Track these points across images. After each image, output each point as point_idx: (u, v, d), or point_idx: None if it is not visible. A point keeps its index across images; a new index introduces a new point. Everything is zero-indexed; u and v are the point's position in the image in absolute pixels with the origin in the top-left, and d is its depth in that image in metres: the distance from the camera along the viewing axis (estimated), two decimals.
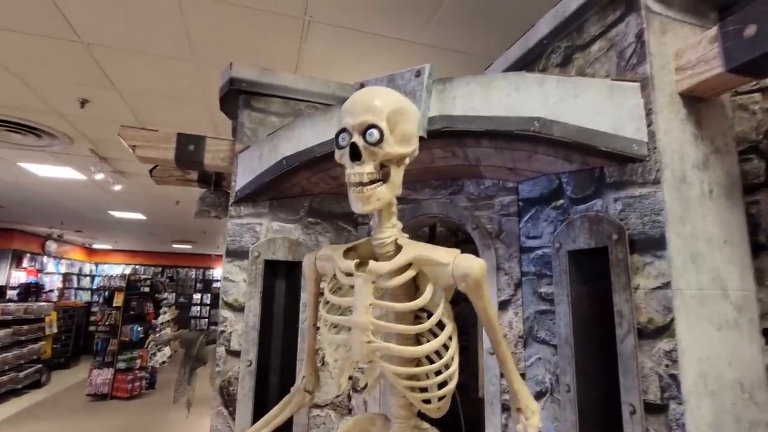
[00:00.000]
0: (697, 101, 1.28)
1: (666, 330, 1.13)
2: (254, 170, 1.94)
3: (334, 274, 1.22)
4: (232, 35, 2.88)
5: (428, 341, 1.08)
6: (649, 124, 1.24)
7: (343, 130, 1.07)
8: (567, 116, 1.34)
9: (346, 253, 1.20)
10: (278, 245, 1.99)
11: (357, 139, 1.03)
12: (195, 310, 15.91)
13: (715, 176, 1.26)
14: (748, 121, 1.39)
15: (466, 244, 2.03)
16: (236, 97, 2.08)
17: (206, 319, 15.63)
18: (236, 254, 1.96)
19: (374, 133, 1.02)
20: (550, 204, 1.62)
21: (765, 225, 1.32)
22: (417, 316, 1.18)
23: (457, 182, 1.95)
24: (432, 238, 2.66)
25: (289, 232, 2.04)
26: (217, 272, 16.24)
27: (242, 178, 1.98)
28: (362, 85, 1.67)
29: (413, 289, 1.15)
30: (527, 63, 1.80)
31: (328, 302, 1.19)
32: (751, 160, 1.36)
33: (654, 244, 1.19)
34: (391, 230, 1.13)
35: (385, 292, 1.15)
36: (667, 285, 1.15)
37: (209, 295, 15.97)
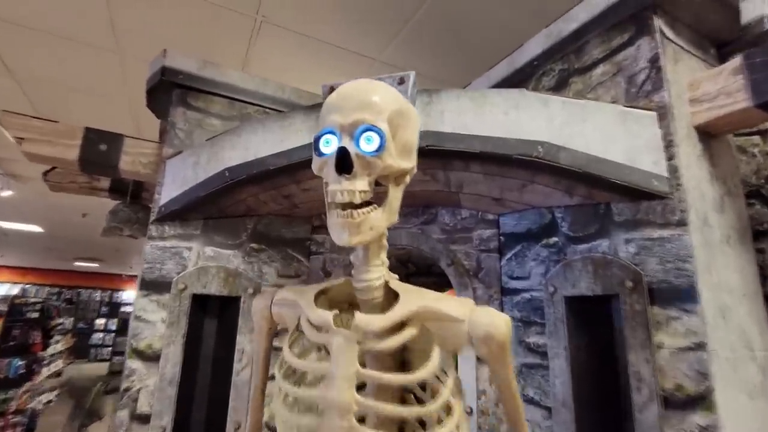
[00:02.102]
0: (709, 137, 1.17)
1: (701, 401, 0.95)
2: (186, 181, 1.55)
3: (297, 326, 0.90)
4: (167, 27, 2.47)
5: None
6: (671, 158, 1.10)
7: (327, 131, 0.78)
8: (575, 142, 1.17)
9: (317, 298, 0.89)
10: (211, 276, 1.60)
11: (348, 144, 0.75)
12: (97, 337, 13.92)
13: (730, 220, 1.15)
14: (747, 164, 1.32)
15: (439, 285, 1.78)
16: (169, 91, 1.70)
17: (110, 348, 13.72)
18: (154, 286, 1.53)
19: (373, 138, 0.74)
20: (540, 241, 1.43)
21: None
22: (403, 391, 0.90)
23: (431, 210, 1.72)
24: (407, 278, 2.39)
25: (227, 259, 1.65)
26: (126, 294, 14.46)
27: (169, 190, 1.58)
28: (332, 89, 1.40)
29: (400, 351, 0.87)
30: (513, 85, 1.65)
31: (287, 365, 0.87)
32: (753, 206, 1.28)
33: (681, 295, 1.02)
34: (379, 269, 0.84)
35: (367, 355, 0.85)
36: (700, 346, 0.98)
37: (116, 320, 14.13)
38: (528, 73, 1.59)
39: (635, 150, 1.13)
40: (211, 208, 1.62)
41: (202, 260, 1.61)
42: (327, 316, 0.81)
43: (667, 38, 1.17)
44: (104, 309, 14.51)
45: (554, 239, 1.39)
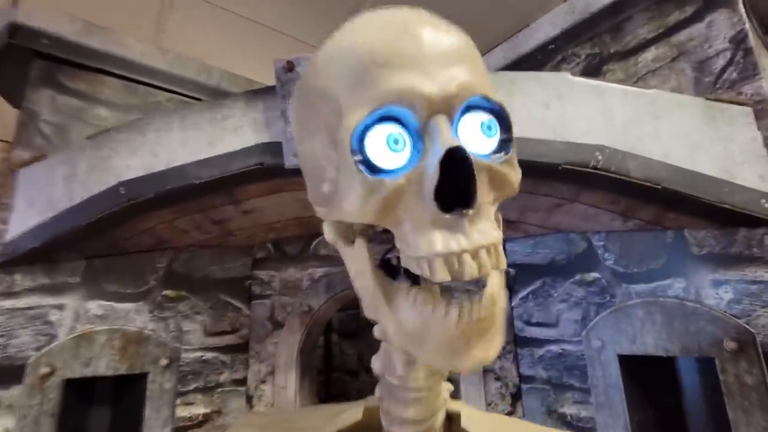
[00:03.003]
0: None
1: None
2: (53, 203, 0.99)
3: None
4: None
5: None
6: None
7: (390, 112, 0.35)
8: (646, 147, 0.84)
9: None
10: (99, 347, 1.04)
11: (452, 138, 0.34)
12: None
13: None
14: None
15: None
16: (24, 62, 1.11)
17: None
18: None
19: (494, 126, 0.37)
20: (571, 276, 1.09)
21: None
22: None
23: None
24: None
25: (125, 317, 1.11)
26: None
27: (24, 218, 1.01)
28: (290, 65, 0.96)
29: None
30: None
31: None
32: None
33: None
34: (435, 403, 0.44)
35: None
36: None
37: None
38: (538, 61, 1.25)
39: (730, 158, 0.82)
40: (98, 242, 1.06)
41: (82, 323, 1.04)
42: None
43: (752, 12, 0.89)
44: None
45: (594, 275, 1.05)
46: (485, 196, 0.36)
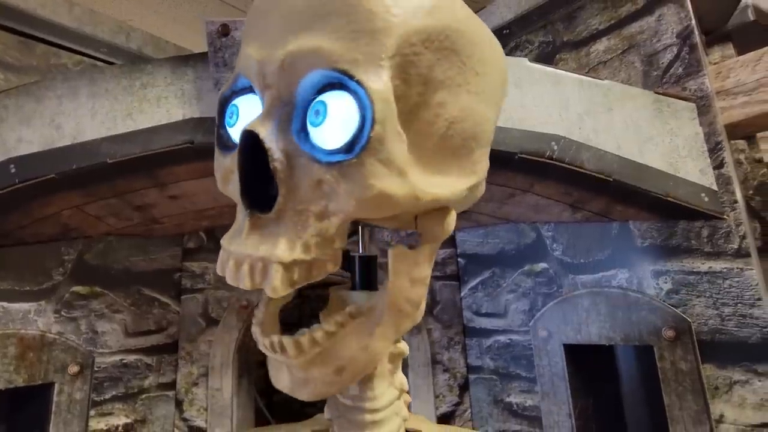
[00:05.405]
0: (729, 139, 0.95)
1: None
2: None
3: None
4: None
5: None
6: (719, 165, 0.83)
7: (239, 86, 0.34)
8: (600, 139, 0.84)
9: None
10: None
11: (268, 125, 0.29)
12: None
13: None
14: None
15: None
16: None
17: None
18: None
19: (323, 111, 0.29)
20: (521, 267, 1.09)
21: None
22: None
23: (366, 223, 1.25)
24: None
25: (23, 320, 0.94)
26: None
27: None
28: (225, 29, 0.86)
29: None
30: None
31: None
32: None
33: (749, 351, 0.77)
34: (394, 423, 0.39)
35: None
36: None
37: None
38: None
39: (675, 152, 0.84)
40: None
41: None
42: None
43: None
44: None
45: (542, 265, 1.06)
46: (300, 204, 0.29)
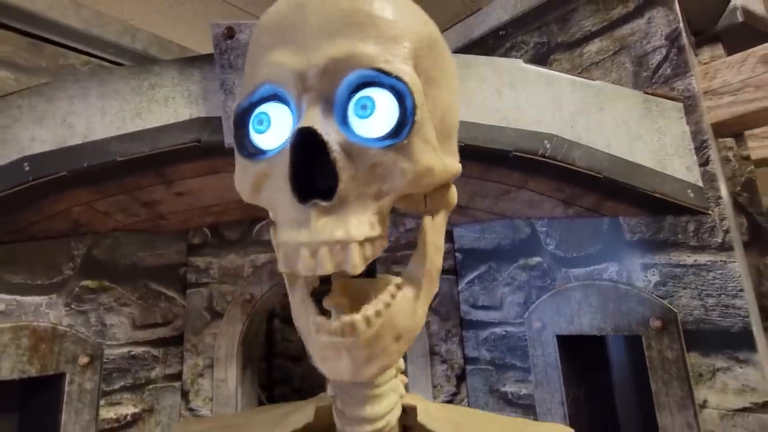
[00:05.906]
0: (715, 138, 0.99)
1: None
2: None
3: None
4: None
5: None
6: (705, 163, 0.87)
7: (265, 94, 0.36)
8: (592, 137, 0.87)
9: None
10: (2, 348, 0.91)
11: (321, 121, 0.33)
12: None
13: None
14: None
15: None
16: None
17: None
18: None
19: (371, 104, 0.33)
20: (516, 261, 1.13)
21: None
22: None
23: None
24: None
25: (35, 312, 0.97)
26: None
27: None
28: (231, 31, 0.88)
29: None
30: None
31: None
32: None
33: (731, 340, 0.80)
34: (391, 396, 0.42)
35: None
36: (763, 406, 0.76)
37: None
38: (490, 46, 1.25)
39: (663, 151, 0.87)
40: None
41: None
42: None
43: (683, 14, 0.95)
44: None
45: (537, 259, 1.09)
46: (359, 188, 0.33)
